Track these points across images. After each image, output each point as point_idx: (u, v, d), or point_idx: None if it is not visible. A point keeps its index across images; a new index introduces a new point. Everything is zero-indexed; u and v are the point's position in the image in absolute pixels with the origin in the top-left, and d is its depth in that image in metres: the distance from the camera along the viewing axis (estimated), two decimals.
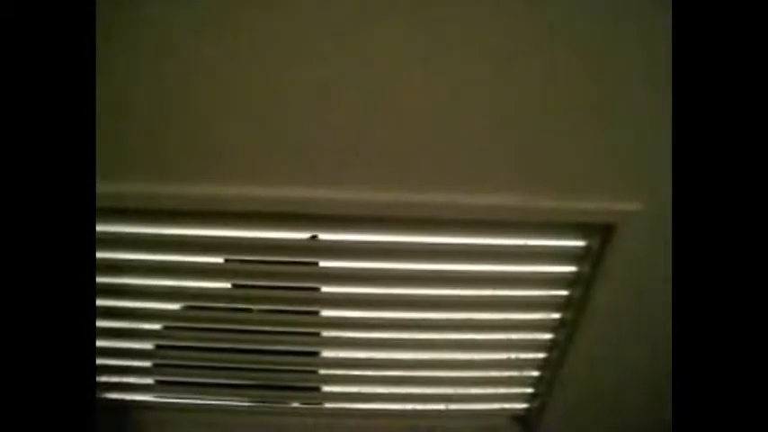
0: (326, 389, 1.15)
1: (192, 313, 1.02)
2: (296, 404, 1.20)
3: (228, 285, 0.98)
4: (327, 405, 1.19)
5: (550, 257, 0.93)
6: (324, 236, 0.90)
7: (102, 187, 0.73)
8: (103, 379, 1.12)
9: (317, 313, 1.02)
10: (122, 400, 1.17)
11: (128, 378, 1.13)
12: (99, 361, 1.08)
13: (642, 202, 0.82)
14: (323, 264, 0.94)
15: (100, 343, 1.05)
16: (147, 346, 1.08)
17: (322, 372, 1.12)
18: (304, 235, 0.90)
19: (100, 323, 1.01)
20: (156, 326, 1.04)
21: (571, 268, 0.94)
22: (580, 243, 0.90)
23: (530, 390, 1.14)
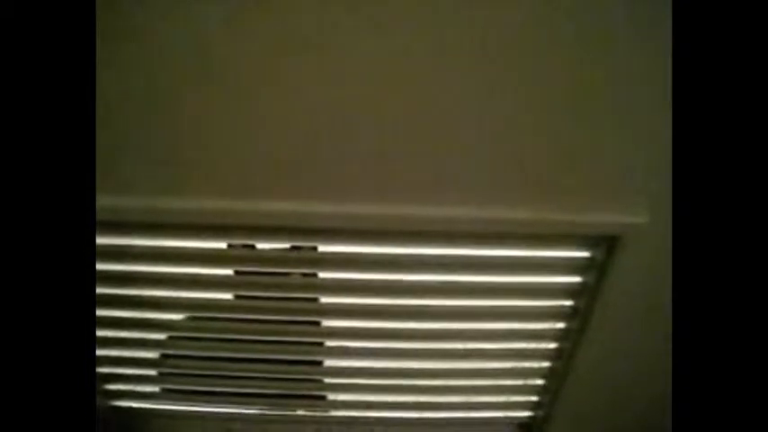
0: (332, 397, 1.16)
1: (194, 323, 1.03)
2: (302, 412, 1.20)
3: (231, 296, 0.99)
4: (333, 413, 1.19)
5: (555, 268, 0.93)
6: (332, 248, 0.90)
7: (104, 200, 0.74)
8: (111, 387, 1.13)
9: (319, 324, 1.03)
10: (130, 408, 1.18)
11: (135, 386, 1.14)
12: (106, 369, 1.09)
13: (647, 214, 0.81)
14: (329, 275, 0.94)
15: (107, 352, 1.06)
16: (153, 355, 1.08)
17: (327, 380, 1.12)
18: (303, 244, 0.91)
19: (107, 332, 1.02)
20: (162, 335, 1.05)
21: (576, 279, 0.94)
22: (585, 254, 0.90)
23: (534, 398, 1.14)
